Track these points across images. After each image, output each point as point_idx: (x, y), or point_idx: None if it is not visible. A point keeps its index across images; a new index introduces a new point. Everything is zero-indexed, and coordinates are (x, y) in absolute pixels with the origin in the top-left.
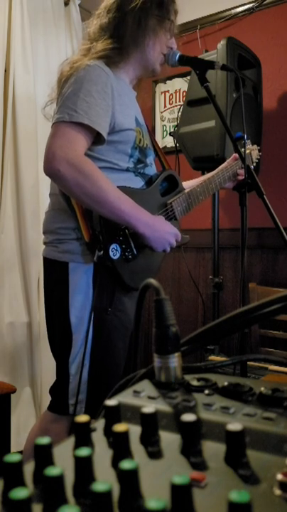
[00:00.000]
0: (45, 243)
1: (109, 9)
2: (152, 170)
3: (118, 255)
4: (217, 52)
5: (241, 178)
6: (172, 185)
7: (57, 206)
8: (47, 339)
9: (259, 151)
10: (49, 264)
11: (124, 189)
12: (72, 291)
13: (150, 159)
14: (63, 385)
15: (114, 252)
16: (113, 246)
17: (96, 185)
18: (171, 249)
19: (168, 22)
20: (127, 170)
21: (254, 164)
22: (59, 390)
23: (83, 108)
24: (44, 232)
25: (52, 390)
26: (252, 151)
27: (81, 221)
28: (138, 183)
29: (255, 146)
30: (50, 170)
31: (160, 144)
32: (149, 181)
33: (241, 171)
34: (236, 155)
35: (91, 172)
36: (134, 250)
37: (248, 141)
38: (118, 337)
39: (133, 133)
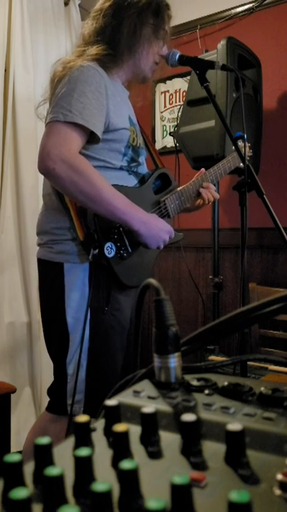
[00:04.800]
0: (39, 245)
1: (105, 14)
2: (144, 169)
3: (113, 253)
4: (217, 52)
5: (203, 197)
6: (165, 183)
7: (50, 206)
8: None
9: (250, 148)
10: (44, 265)
11: (118, 187)
12: (68, 291)
13: (142, 158)
14: (61, 386)
15: (109, 250)
16: (108, 244)
17: (90, 182)
18: (164, 246)
19: (162, 32)
20: (121, 168)
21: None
22: (57, 390)
23: (77, 108)
24: (38, 234)
25: (51, 391)
26: (243, 148)
27: (75, 220)
28: (131, 181)
29: (246, 144)
30: (45, 168)
31: (160, 144)
32: (142, 180)
33: (203, 191)
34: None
35: (85, 170)
36: (129, 248)
37: (240, 140)
38: (115, 336)
39: (127, 132)
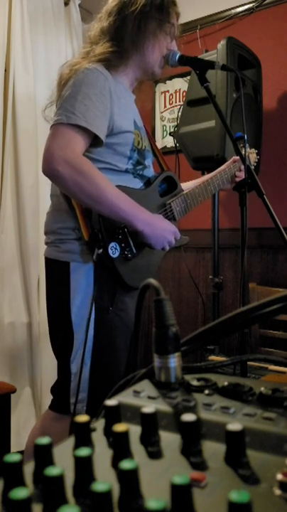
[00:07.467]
0: (46, 243)
1: (110, 12)
2: (150, 172)
3: (117, 254)
4: (217, 53)
5: (238, 179)
6: (171, 186)
7: (57, 207)
8: (49, 338)
9: (257, 154)
10: (50, 264)
11: (123, 189)
12: (74, 290)
13: (149, 161)
14: (64, 384)
15: (113, 250)
16: (112, 244)
17: (94, 183)
18: (170, 247)
19: (168, 25)
20: (126, 171)
21: (252, 167)
22: (60, 389)
23: (81, 111)
24: (45, 233)
25: (54, 389)
26: (250, 154)
27: (81, 220)
28: (136, 184)
29: (253, 150)
30: (49, 170)
31: (160, 144)
32: (148, 182)
33: (239, 173)
34: (236, 157)
35: (89, 171)
36: (133, 249)
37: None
38: (119, 336)
39: (131, 135)
